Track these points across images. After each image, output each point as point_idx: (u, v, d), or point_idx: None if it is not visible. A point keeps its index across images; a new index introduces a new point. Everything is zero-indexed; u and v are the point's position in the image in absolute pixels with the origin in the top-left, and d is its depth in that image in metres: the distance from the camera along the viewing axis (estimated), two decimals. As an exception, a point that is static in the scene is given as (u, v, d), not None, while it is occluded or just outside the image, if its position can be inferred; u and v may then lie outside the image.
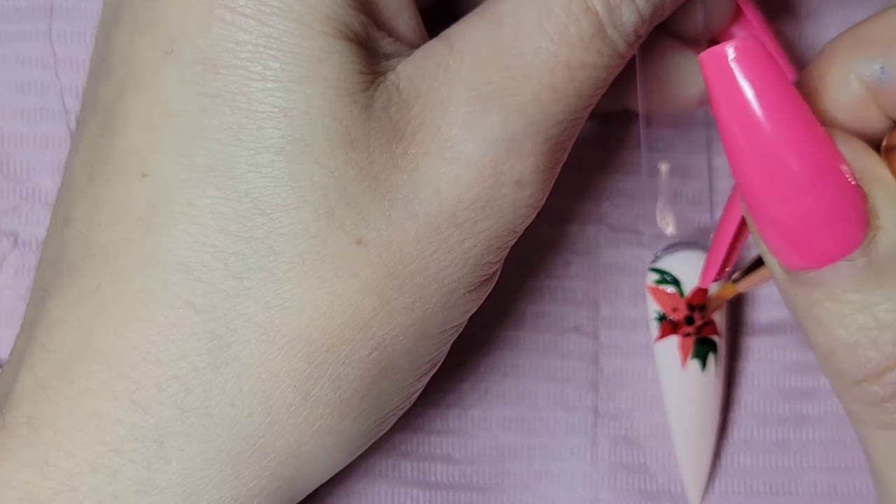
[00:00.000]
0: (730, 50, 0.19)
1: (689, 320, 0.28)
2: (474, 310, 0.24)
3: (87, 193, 0.22)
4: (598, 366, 0.30)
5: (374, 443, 0.29)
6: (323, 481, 0.24)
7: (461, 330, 0.24)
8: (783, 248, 0.21)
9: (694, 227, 0.29)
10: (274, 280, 0.21)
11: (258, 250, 0.21)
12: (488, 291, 0.24)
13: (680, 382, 0.28)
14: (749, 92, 0.19)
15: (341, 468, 0.24)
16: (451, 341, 0.24)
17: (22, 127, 0.30)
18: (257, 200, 0.21)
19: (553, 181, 0.23)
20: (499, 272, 0.24)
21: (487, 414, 0.30)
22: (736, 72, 0.19)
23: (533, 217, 0.23)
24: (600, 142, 0.30)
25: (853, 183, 0.20)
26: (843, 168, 0.20)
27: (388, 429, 0.24)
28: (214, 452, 0.22)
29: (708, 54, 0.20)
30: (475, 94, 0.21)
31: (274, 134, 0.21)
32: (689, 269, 0.28)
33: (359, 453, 0.24)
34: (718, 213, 0.29)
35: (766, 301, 0.30)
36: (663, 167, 0.29)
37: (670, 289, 0.28)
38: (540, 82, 0.21)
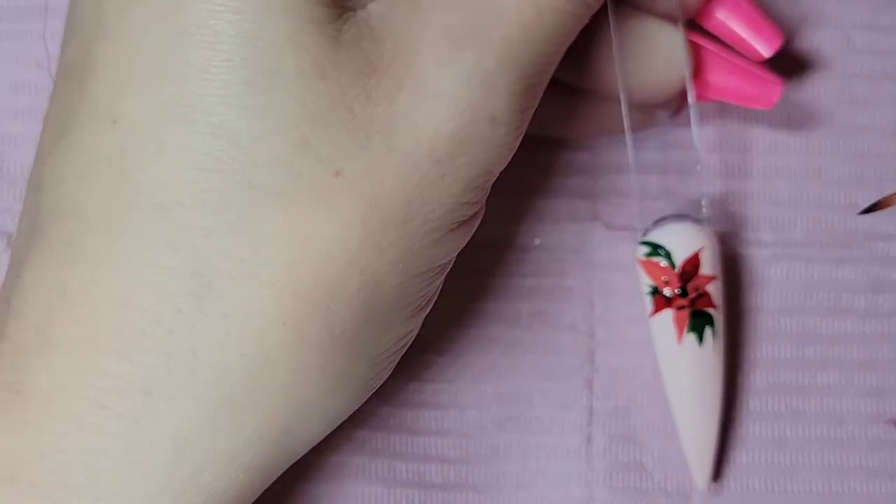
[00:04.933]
0: None
1: (683, 293, 0.28)
2: (457, 251, 0.24)
3: (58, 151, 0.22)
4: (593, 364, 0.30)
5: (369, 444, 0.29)
6: (323, 433, 0.23)
7: (446, 272, 0.24)
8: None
9: (683, 198, 0.29)
10: (253, 213, 0.21)
11: (234, 184, 0.21)
12: (470, 234, 0.24)
13: (677, 358, 0.28)
14: None
15: (340, 420, 0.23)
16: (438, 283, 0.24)
17: (17, 127, 0.30)
18: (230, 133, 0.21)
19: (525, 126, 0.23)
20: (480, 216, 0.24)
21: (483, 414, 0.30)
22: None
23: (508, 160, 0.23)
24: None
25: None
26: None
27: (384, 378, 0.24)
28: (206, 400, 0.21)
29: None
30: (448, 33, 0.22)
31: (242, 66, 0.21)
32: (680, 241, 0.28)
33: (359, 402, 0.24)
34: (707, 188, 0.30)
35: (766, 301, 0.30)
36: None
37: (662, 262, 0.28)
38: (510, 21, 0.22)
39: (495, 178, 0.23)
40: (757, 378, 0.30)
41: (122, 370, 0.21)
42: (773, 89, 0.28)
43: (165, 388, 0.21)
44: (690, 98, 0.27)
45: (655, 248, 0.28)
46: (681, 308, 0.28)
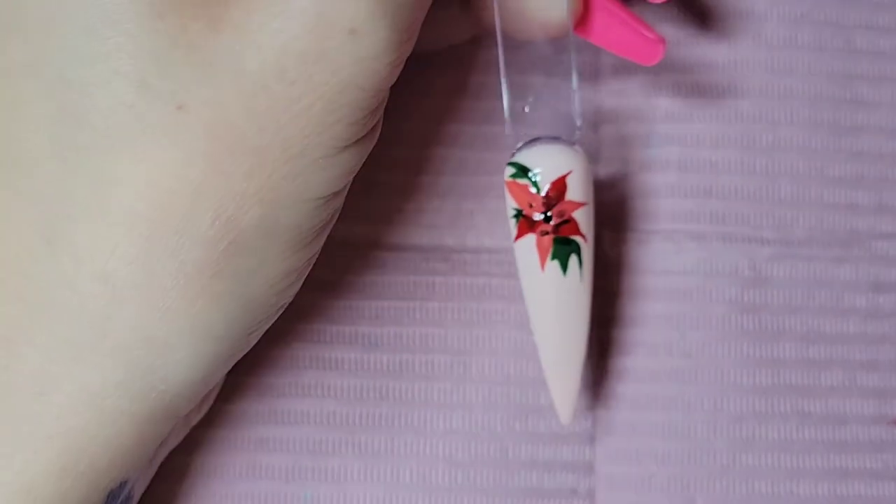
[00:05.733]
0: None
1: (546, 218, 0.26)
2: (343, 179, 0.23)
3: None
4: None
5: (372, 446, 0.29)
6: (201, 380, 0.23)
7: (335, 203, 0.23)
8: None
9: (555, 120, 0.27)
10: (96, 157, 0.21)
11: (78, 129, 0.21)
12: (358, 159, 0.23)
13: (540, 287, 0.27)
14: None
15: (221, 366, 0.23)
16: (324, 214, 0.23)
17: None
18: (72, 81, 0.21)
19: (404, 34, 0.22)
20: (371, 138, 0.23)
21: (490, 415, 0.30)
22: None
23: (385, 74, 0.22)
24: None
25: None
26: None
27: (269, 321, 0.24)
28: (63, 342, 0.21)
29: None
30: None
31: (82, 16, 0.21)
32: (549, 164, 0.26)
33: (240, 348, 0.23)
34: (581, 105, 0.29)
35: (770, 300, 0.30)
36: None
37: (527, 184, 0.26)
38: None
39: (381, 96, 0.22)
40: (762, 378, 0.30)
41: None
42: (655, 47, 0.27)
43: (25, 333, 0.21)
44: (570, 24, 0.26)
45: (521, 169, 0.26)
46: (544, 234, 0.26)
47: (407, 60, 0.23)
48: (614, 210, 0.30)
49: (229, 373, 0.29)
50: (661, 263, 0.30)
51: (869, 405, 0.30)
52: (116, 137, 0.21)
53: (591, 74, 0.31)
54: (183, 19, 0.21)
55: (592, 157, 0.31)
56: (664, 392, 0.30)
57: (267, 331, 0.28)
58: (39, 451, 0.22)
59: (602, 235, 0.30)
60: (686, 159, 0.30)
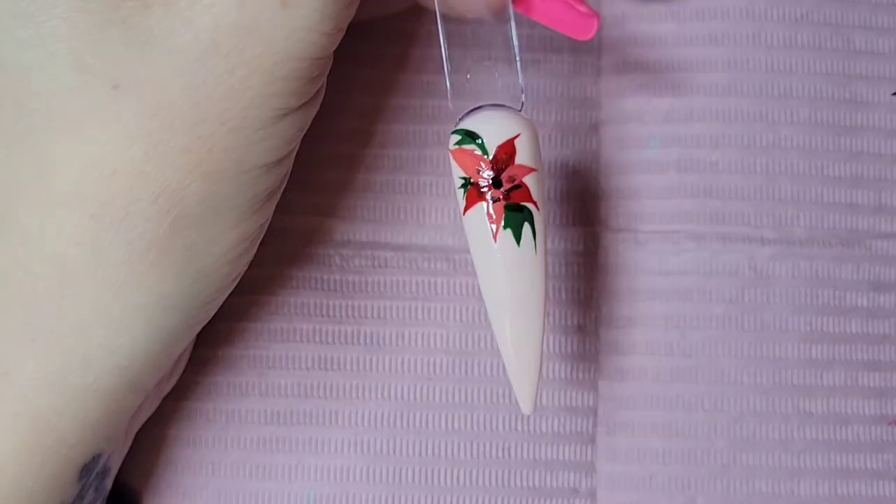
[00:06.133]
0: None
1: (497, 183, 0.25)
2: (284, 148, 0.23)
3: None
4: (598, 364, 0.30)
5: (374, 446, 0.29)
6: (161, 352, 0.23)
7: (279, 171, 0.23)
8: None
9: (500, 90, 0.27)
10: (39, 140, 0.21)
11: (19, 115, 0.21)
12: (298, 127, 0.23)
13: (493, 259, 0.25)
14: None
15: (182, 337, 0.24)
16: (268, 183, 0.23)
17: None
18: (9, 67, 0.21)
19: (340, 2, 0.22)
20: (312, 107, 0.23)
21: (493, 415, 0.30)
22: None
23: (322, 43, 0.22)
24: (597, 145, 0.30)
25: None
26: None
27: (224, 292, 0.24)
28: (21, 324, 0.22)
29: None
30: None
31: (14, 1, 0.21)
32: (494, 129, 0.25)
33: (197, 318, 0.24)
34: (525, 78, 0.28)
35: (772, 299, 0.30)
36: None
37: (474, 150, 0.25)
38: None
39: (321, 64, 0.22)
40: (763, 378, 0.30)
41: None
42: (589, 22, 0.26)
43: None
44: (509, 3, 0.26)
45: (467, 135, 0.25)
46: (496, 201, 0.25)
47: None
48: (614, 210, 0.31)
49: (232, 373, 0.30)
50: (661, 263, 0.30)
51: (870, 405, 0.30)
52: (57, 120, 0.21)
53: (592, 74, 0.31)
54: None
55: (593, 156, 0.31)
56: (665, 392, 0.30)
57: (269, 330, 0.28)
58: (7, 430, 0.22)
59: (602, 235, 0.30)
60: (686, 159, 0.30)
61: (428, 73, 0.31)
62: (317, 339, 0.30)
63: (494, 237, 0.25)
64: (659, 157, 0.31)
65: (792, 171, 0.30)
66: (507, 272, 0.25)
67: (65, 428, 0.23)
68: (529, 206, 0.25)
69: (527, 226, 0.25)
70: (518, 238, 0.25)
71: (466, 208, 0.25)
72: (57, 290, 0.22)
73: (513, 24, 0.26)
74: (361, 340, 0.30)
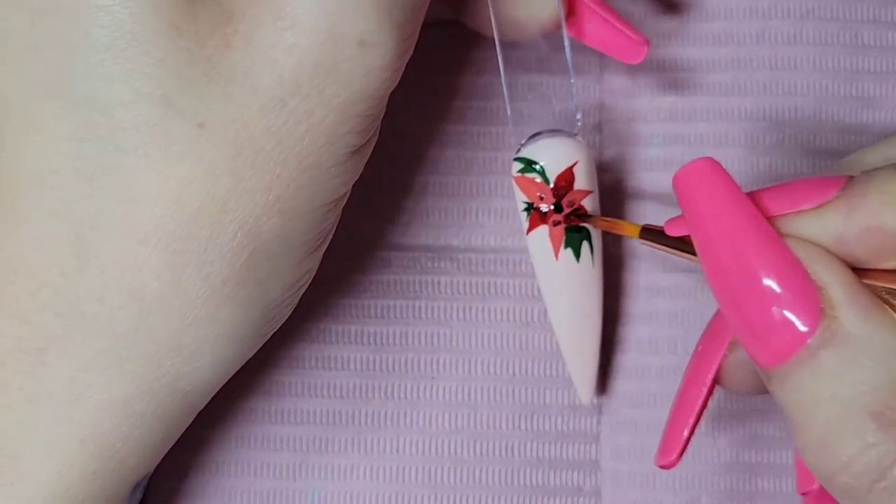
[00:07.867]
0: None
1: (558, 208, 0.27)
2: (348, 184, 0.23)
3: None
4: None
5: (377, 446, 0.29)
6: (221, 379, 0.24)
7: (342, 205, 0.24)
8: (754, 348, 0.22)
9: (557, 114, 0.28)
10: (123, 176, 0.22)
11: (103, 149, 0.21)
12: (361, 164, 0.24)
13: (555, 275, 0.28)
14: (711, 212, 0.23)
15: (236, 366, 0.24)
16: (331, 220, 0.24)
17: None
18: (95, 101, 0.21)
19: (409, 41, 0.22)
20: (372, 142, 0.23)
21: (496, 413, 0.30)
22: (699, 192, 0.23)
23: (391, 81, 0.22)
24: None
25: (808, 282, 0.21)
26: (795, 269, 0.21)
27: (280, 322, 0.24)
28: (94, 352, 0.22)
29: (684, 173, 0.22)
30: None
31: (101, 34, 0.21)
32: (554, 156, 0.27)
33: (255, 347, 0.24)
34: (580, 99, 0.29)
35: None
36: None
37: (536, 178, 0.27)
38: None
39: (385, 102, 0.23)
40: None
41: (17, 331, 0.22)
42: (639, 48, 0.28)
43: (58, 344, 0.22)
44: (563, 23, 0.27)
45: (529, 164, 0.27)
46: (556, 224, 0.27)
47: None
48: (617, 209, 0.31)
49: (235, 373, 0.30)
50: (664, 261, 0.30)
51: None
52: (141, 156, 0.21)
53: (595, 74, 0.31)
54: (200, 36, 0.21)
55: (595, 156, 0.31)
56: (669, 389, 0.30)
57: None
58: (73, 454, 0.23)
59: (606, 233, 0.30)
60: (689, 158, 0.30)
61: (486, 98, 0.31)
62: (320, 339, 0.30)
63: (556, 256, 0.27)
64: (662, 155, 0.30)
65: (796, 170, 0.30)
66: (569, 286, 0.28)
67: (127, 452, 0.23)
68: (587, 225, 0.28)
69: (585, 243, 0.28)
70: (577, 255, 0.28)
71: (529, 229, 0.28)
72: (133, 322, 0.22)
73: (568, 49, 0.27)
74: (365, 340, 0.30)
